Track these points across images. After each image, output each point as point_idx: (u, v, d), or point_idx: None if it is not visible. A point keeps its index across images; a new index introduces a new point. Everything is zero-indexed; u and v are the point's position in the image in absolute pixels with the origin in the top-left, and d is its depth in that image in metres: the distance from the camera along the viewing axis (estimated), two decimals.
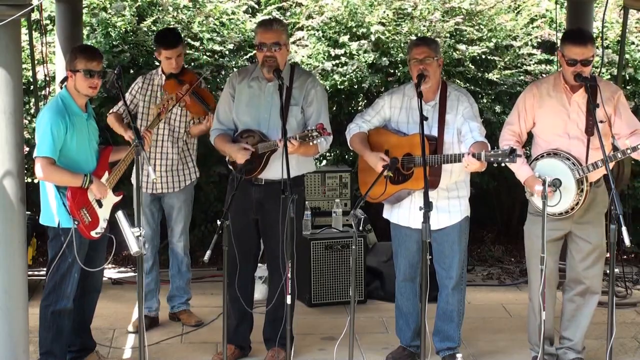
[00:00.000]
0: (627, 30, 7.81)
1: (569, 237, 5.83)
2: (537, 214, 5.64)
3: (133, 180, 6.41)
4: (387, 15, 8.55)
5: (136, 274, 6.31)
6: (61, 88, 5.67)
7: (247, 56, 8.32)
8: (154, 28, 8.22)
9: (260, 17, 8.48)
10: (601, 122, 5.53)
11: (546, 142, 5.74)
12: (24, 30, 6.76)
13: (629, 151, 5.42)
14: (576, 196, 5.59)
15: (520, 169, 5.71)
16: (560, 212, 5.63)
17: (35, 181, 6.06)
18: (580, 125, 5.66)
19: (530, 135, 5.93)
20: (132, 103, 6.64)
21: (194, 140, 6.79)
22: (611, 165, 5.44)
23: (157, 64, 8.06)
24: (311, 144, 5.72)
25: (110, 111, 6.64)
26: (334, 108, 8.38)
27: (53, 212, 5.53)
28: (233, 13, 8.54)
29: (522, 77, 8.58)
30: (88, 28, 8.13)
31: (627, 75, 8.52)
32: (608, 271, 5.43)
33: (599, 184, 5.73)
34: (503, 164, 5.41)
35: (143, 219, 6.55)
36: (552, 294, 5.84)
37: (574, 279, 5.89)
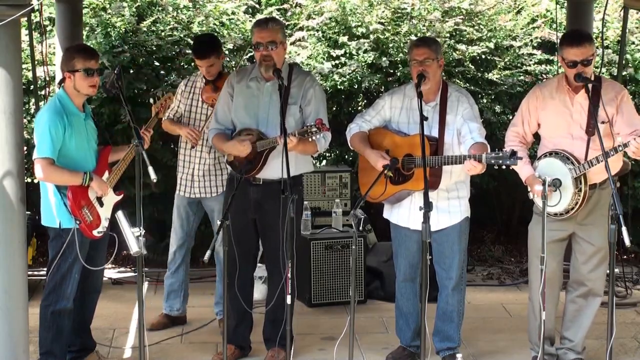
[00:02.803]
0: (627, 30, 7.81)
1: (573, 239, 5.82)
2: (541, 214, 5.63)
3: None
4: (386, 15, 8.55)
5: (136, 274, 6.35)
6: (59, 89, 5.67)
7: (247, 56, 8.31)
8: (154, 28, 8.22)
9: (259, 17, 8.46)
10: (602, 123, 5.52)
11: (551, 142, 5.74)
12: (24, 31, 6.75)
13: (620, 148, 5.40)
14: (574, 196, 5.58)
15: (522, 169, 5.71)
16: (560, 212, 5.63)
17: (35, 181, 6.05)
18: (583, 125, 5.65)
19: (538, 137, 5.93)
20: (179, 107, 6.64)
21: None
22: (614, 165, 5.42)
23: (156, 64, 8.10)
24: (310, 140, 5.71)
25: (164, 118, 6.64)
26: (334, 108, 8.37)
27: (54, 213, 5.52)
28: (233, 13, 8.53)
29: (522, 77, 8.57)
30: (87, 28, 8.12)
31: (627, 75, 8.52)
32: (608, 271, 5.43)
33: (605, 186, 5.67)
34: (504, 167, 5.40)
35: (177, 222, 6.65)
36: (554, 294, 5.84)
37: (577, 281, 5.88)
